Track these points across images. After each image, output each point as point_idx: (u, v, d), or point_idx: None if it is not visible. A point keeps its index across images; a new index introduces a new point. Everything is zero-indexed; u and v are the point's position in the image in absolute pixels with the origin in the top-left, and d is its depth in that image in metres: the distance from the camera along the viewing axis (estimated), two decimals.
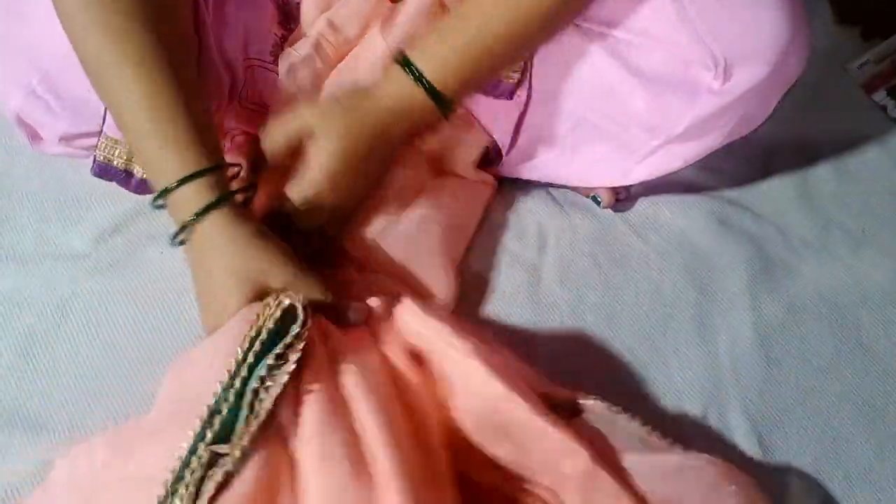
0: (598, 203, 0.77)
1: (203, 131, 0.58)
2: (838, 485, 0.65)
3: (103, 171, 0.70)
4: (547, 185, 0.80)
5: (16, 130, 0.73)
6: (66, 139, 0.70)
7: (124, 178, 0.70)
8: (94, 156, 0.69)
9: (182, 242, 0.59)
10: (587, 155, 0.73)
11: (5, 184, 0.76)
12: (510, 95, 0.70)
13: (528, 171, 0.77)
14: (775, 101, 0.69)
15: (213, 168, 0.58)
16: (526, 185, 0.81)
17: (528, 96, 0.72)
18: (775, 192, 0.82)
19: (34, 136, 0.72)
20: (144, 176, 0.69)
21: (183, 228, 0.57)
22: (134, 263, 0.72)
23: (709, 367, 0.70)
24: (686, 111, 0.64)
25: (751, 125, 0.70)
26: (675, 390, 0.68)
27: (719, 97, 0.63)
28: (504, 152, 0.75)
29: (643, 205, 0.79)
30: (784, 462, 0.66)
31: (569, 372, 0.68)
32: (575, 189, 0.79)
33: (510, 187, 0.81)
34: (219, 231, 0.57)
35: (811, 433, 0.67)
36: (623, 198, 0.78)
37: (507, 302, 0.72)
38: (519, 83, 0.70)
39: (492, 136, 0.75)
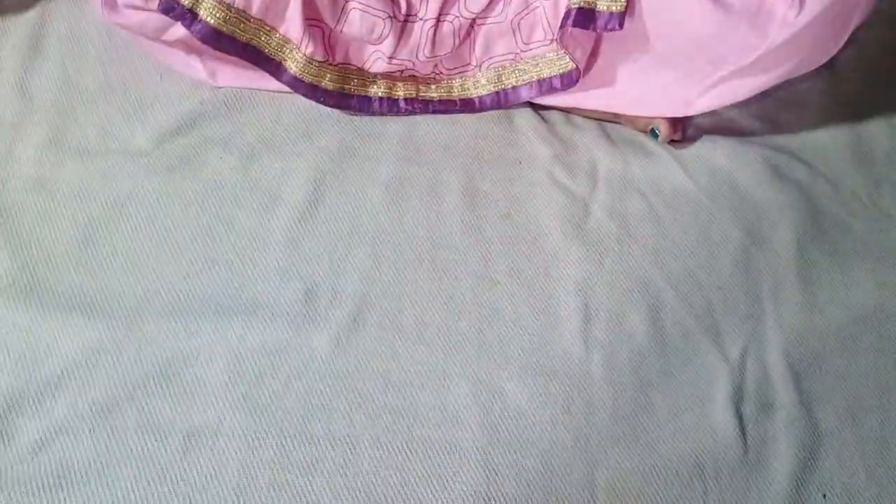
0: (656, 136, 0.77)
1: None
2: (871, 430, 0.66)
3: (168, 7, 0.69)
4: (601, 122, 0.81)
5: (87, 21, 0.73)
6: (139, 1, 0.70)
7: (189, 18, 0.69)
8: None
9: None
10: (650, 83, 0.73)
11: (72, 79, 0.78)
12: (620, 25, 0.69)
13: (592, 100, 0.77)
14: (845, 36, 0.67)
15: None
16: (579, 122, 0.81)
17: None
18: (830, 146, 0.82)
19: (108, 2, 0.73)
20: (211, 21, 0.69)
21: None
22: (193, 165, 0.73)
23: (751, 308, 0.70)
24: (757, 43, 0.64)
25: (819, 59, 0.69)
26: (715, 327, 0.69)
27: (791, 28, 0.63)
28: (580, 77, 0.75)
29: (697, 147, 0.79)
30: (819, 405, 0.67)
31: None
32: (632, 122, 0.79)
33: (564, 123, 0.81)
34: None
35: (848, 380, 0.68)
36: (679, 139, 0.78)
37: (555, 233, 0.73)
38: (626, 11, 0.68)
39: (572, 62, 0.74)
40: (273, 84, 0.77)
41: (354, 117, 0.78)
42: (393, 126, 0.78)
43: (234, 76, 0.78)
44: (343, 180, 0.74)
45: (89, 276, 0.67)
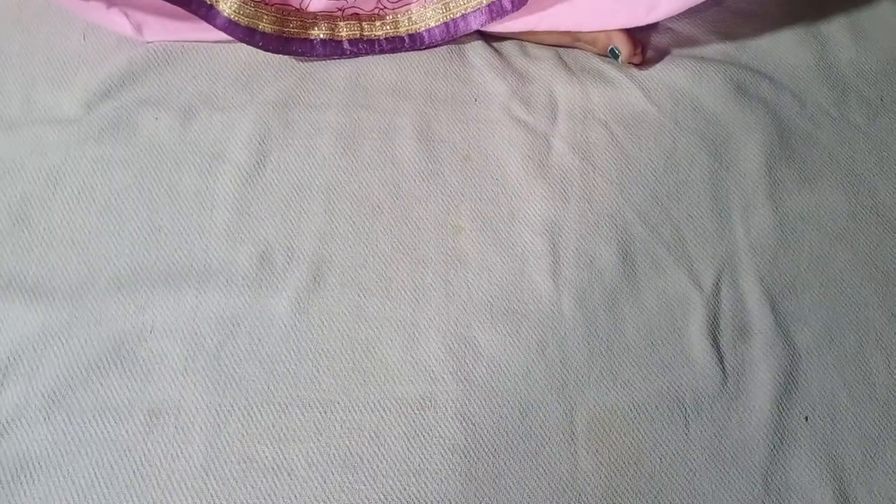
0: (616, 56, 0.74)
1: None
2: (850, 348, 0.65)
3: None
4: (558, 49, 0.77)
5: None
6: None
7: None
8: None
9: None
10: None
11: None
12: None
13: (547, 21, 0.73)
14: None
15: None
16: (535, 52, 0.77)
17: None
18: (793, 58, 0.79)
19: None
20: None
21: None
22: (127, 129, 0.69)
23: (722, 234, 0.69)
24: None
25: None
26: (687, 256, 0.67)
27: None
28: None
29: (658, 70, 0.76)
30: (796, 327, 0.66)
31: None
32: (592, 44, 0.75)
33: (519, 55, 0.77)
34: None
35: (824, 299, 0.67)
36: (638, 61, 0.74)
37: (517, 173, 0.70)
38: None
39: None
40: (206, 35, 0.72)
41: (297, 65, 0.74)
42: (339, 71, 0.74)
43: (163, 29, 0.73)
44: (290, 133, 0.70)
45: (27, 256, 0.64)
